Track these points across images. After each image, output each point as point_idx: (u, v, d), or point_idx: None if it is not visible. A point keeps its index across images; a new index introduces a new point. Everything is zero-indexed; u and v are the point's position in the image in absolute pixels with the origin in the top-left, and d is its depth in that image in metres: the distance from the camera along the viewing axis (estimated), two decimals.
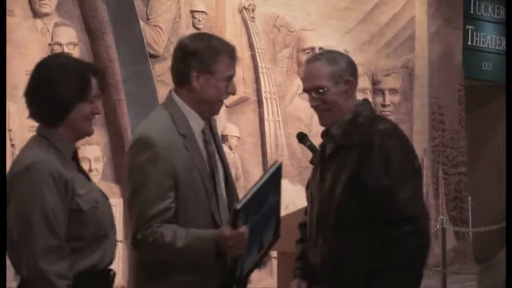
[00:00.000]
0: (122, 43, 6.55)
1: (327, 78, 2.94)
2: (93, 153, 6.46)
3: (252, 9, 7.61)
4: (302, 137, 3.13)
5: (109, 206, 2.64)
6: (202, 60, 2.78)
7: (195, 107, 2.81)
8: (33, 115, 2.56)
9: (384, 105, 8.61)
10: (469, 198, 9.55)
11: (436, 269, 7.07)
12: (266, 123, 7.69)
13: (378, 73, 8.59)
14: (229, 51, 2.85)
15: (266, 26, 7.76)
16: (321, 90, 2.92)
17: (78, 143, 6.92)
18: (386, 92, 8.62)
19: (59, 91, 2.49)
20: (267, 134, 7.70)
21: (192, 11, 7.17)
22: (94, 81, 2.55)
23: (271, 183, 2.80)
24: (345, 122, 2.94)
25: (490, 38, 10.15)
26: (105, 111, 6.44)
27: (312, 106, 2.96)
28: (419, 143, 8.89)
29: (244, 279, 2.84)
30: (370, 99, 8.44)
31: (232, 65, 2.85)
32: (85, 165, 6.43)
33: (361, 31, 8.53)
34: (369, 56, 8.55)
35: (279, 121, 7.78)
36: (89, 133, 2.62)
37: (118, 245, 6.37)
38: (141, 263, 2.78)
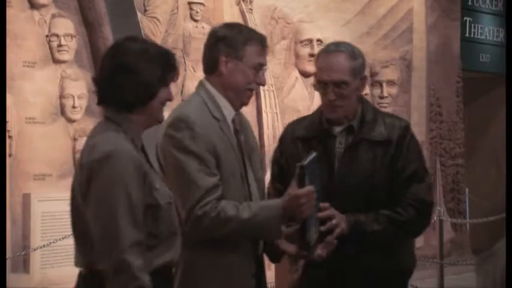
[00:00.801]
0: (119, 35, 6.44)
1: (349, 73, 2.97)
2: None
3: (250, 0, 7.59)
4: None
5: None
6: (231, 45, 2.80)
7: (225, 94, 2.83)
8: (107, 100, 2.45)
9: (381, 97, 8.61)
10: (467, 189, 9.56)
11: (433, 261, 7.10)
12: (264, 114, 7.69)
13: (375, 65, 8.58)
14: (260, 39, 2.87)
15: (264, 18, 7.74)
16: (343, 85, 2.95)
17: (76, 135, 6.94)
18: (384, 84, 8.62)
19: (145, 76, 2.40)
20: (265, 125, 7.70)
21: (189, 3, 7.15)
22: (172, 63, 2.49)
23: (313, 169, 2.79)
24: (359, 116, 3.03)
25: (488, 30, 10.14)
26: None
27: (328, 100, 2.97)
28: (417, 135, 8.80)
29: (313, 249, 2.82)
30: (368, 91, 8.45)
31: (263, 54, 2.87)
32: None
33: (359, 23, 8.52)
34: (367, 47, 8.53)
35: (276, 113, 7.78)
36: (161, 120, 2.53)
37: None
38: (193, 245, 2.70)
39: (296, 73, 7.95)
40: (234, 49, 2.79)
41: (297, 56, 7.93)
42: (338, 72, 2.95)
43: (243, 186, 2.81)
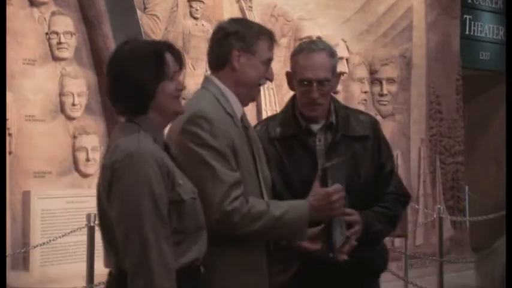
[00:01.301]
0: (119, 32, 6.49)
1: (330, 70, 3.03)
2: (91, 143, 6.44)
3: None
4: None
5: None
6: (244, 40, 2.78)
7: (235, 90, 2.80)
8: (121, 111, 2.46)
9: (381, 95, 8.60)
10: (466, 187, 9.57)
11: (433, 258, 7.09)
12: (264, 113, 7.68)
13: (375, 63, 8.57)
14: (269, 34, 2.87)
15: (264, 16, 7.73)
16: (325, 83, 2.99)
17: (75, 133, 6.92)
18: (384, 82, 8.62)
19: (136, 76, 2.38)
20: None
21: (189, 0, 7.15)
22: (169, 57, 2.45)
23: (340, 175, 2.83)
24: (335, 113, 3.07)
25: (487, 28, 10.13)
26: (102, 99, 6.44)
27: (312, 97, 2.99)
28: (417, 133, 8.91)
29: (338, 251, 2.83)
30: (368, 88, 8.45)
31: (272, 48, 2.86)
32: (82, 156, 6.46)
33: (358, 20, 8.51)
34: (367, 45, 8.54)
35: (276, 111, 7.77)
36: (179, 111, 2.51)
37: None
38: (220, 242, 2.65)
39: None
40: (247, 43, 2.78)
41: None
42: (322, 70, 2.98)
43: (257, 183, 2.80)
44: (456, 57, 9.42)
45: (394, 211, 3.08)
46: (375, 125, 3.17)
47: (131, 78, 2.39)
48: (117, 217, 2.34)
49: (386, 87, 8.63)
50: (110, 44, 6.46)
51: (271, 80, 2.93)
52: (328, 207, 2.72)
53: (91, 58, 6.52)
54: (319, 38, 7.74)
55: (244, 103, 2.86)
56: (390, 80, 8.65)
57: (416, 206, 8.48)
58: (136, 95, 2.40)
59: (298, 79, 3.03)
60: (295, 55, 3.09)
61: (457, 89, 9.43)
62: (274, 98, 7.74)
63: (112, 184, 2.35)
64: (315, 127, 3.07)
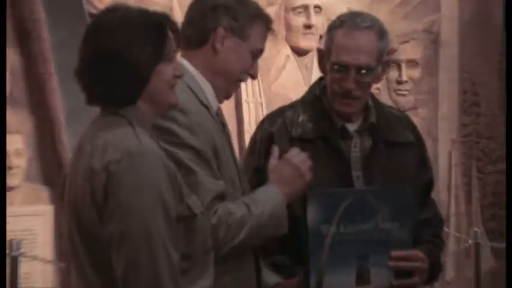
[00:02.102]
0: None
1: (376, 56, 3.09)
2: (13, 144, 6.40)
3: None
4: None
5: None
6: (236, 18, 2.83)
7: (210, 78, 2.84)
8: (100, 98, 2.46)
9: (399, 82, 8.62)
10: None
11: None
12: (244, 105, 7.68)
13: (392, 39, 8.55)
14: (267, 20, 2.92)
15: None
16: (367, 71, 3.04)
17: None
18: (403, 65, 8.64)
19: (130, 53, 2.38)
20: (246, 120, 7.69)
21: None
22: (170, 33, 2.47)
23: (394, 208, 3.00)
24: (376, 110, 3.14)
25: None
26: (29, 88, 6.48)
27: (347, 88, 3.03)
28: (446, 132, 8.92)
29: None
30: None
31: (265, 39, 2.92)
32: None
33: None
34: (381, 17, 8.49)
35: (261, 103, 7.77)
36: (174, 104, 2.53)
37: (46, 267, 6.37)
38: None
39: (287, 50, 7.94)
40: (238, 24, 2.83)
41: (289, 27, 7.93)
42: (365, 54, 3.03)
43: (241, 187, 2.88)
44: (498, 32, 9.43)
45: (441, 242, 3.26)
46: (412, 125, 3.27)
47: (123, 55, 2.38)
48: (118, 236, 2.30)
49: (406, 72, 8.64)
50: (39, 13, 6.44)
51: (254, 78, 2.97)
52: (297, 173, 2.81)
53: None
54: (317, 6, 7.78)
55: (219, 99, 2.91)
56: (411, 63, 8.67)
57: (446, 229, 8.48)
58: (128, 78, 2.40)
59: (331, 61, 3.05)
60: (333, 30, 3.13)
61: (500, 75, 9.43)
62: (258, 86, 7.74)
63: (108, 193, 2.31)
64: (352, 127, 3.10)
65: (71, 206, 2.42)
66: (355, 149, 3.07)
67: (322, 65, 3.13)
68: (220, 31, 2.81)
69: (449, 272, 8.73)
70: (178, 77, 2.51)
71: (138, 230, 2.29)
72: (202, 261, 2.49)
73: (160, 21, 2.47)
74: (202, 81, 2.83)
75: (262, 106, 7.76)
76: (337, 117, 3.08)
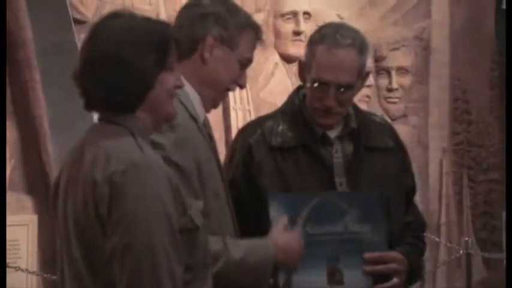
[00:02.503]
0: (36, 4, 6.47)
1: (357, 73, 3.09)
2: None
3: None
4: None
5: None
6: (226, 27, 2.82)
7: (198, 88, 2.83)
8: (99, 106, 2.46)
9: (390, 90, 8.61)
10: (503, 213, 9.57)
11: None
12: (232, 112, 7.66)
13: (382, 46, 8.57)
14: (257, 30, 2.92)
15: None
16: (348, 89, 3.06)
17: None
18: (393, 72, 8.62)
19: (135, 60, 2.39)
20: (233, 127, 7.67)
21: None
22: (172, 42, 2.48)
23: (363, 211, 3.05)
24: (356, 116, 3.16)
25: None
26: (13, 96, 6.42)
27: (327, 105, 3.05)
28: (437, 140, 8.91)
29: None
30: (372, 80, 8.44)
31: (254, 48, 2.91)
32: None
33: None
34: (370, 23, 8.53)
35: (249, 110, 7.76)
36: (172, 115, 2.52)
37: (31, 278, 6.35)
38: None
39: (276, 57, 7.92)
40: (227, 33, 2.81)
41: (277, 34, 7.91)
42: (346, 72, 3.04)
43: (227, 210, 2.85)
44: (490, 39, 9.43)
45: (423, 243, 3.33)
46: (393, 130, 3.30)
47: (128, 60, 2.39)
48: (122, 248, 2.28)
49: (396, 80, 8.63)
50: (24, 19, 6.41)
51: (242, 87, 2.96)
52: (297, 253, 2.86)
53: None
54: (307, 13, 7.77)
55: (206, 109, 2.89)
56: (402, 70, 8.65)
57: (437, 239, 8.48)
58: (132, 84, 2.40)
59: (312, 77, 3.06)
60: (313, 44, 3.12)
61: (491, 82, 9.43)
62: (246, 93, 7.72)
63: (112, 203, 2.30)
64: (332, 134, 3.12)
65: (70, 218, 2.39)
66: (337, 155, 3.10)
67: (302, 76, 3.15)
68: (209, 40, 2.80)
69: (440, 282, 8.72)
70: (179, 87, 2.51)
71: (142, 241, 2.28)
72: (203, 274, 2.49)
73: (163, 30, 2.49)
74: (191, 92, 2.82)
75: (250, 113, 7.75)
76: (318, 126, 3.11)
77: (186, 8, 2.92)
